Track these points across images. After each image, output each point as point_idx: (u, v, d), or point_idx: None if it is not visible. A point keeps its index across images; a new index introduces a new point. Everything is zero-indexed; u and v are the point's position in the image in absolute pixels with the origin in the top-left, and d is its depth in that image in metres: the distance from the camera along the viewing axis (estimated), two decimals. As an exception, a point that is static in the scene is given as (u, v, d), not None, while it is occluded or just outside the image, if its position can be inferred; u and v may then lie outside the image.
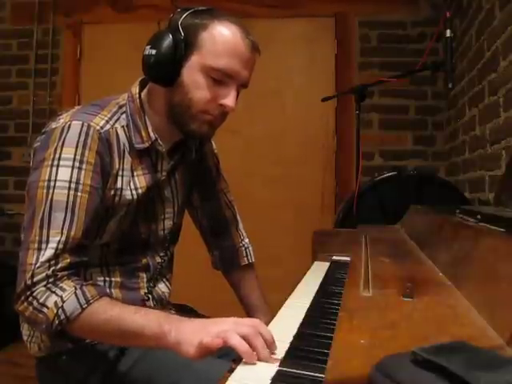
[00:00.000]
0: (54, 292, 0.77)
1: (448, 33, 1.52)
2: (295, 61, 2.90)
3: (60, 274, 0.79)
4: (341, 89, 2.73)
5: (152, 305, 0.98)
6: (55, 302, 0.76)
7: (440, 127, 2.79)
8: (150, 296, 0.98)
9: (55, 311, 0.76)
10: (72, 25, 3.05)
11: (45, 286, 0.77)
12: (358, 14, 2.85)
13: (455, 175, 2.51)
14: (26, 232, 0.81)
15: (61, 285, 0.78)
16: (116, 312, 0.75)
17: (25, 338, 0.95)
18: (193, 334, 0.67)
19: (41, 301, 0.76)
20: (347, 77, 2.82)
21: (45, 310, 0.76)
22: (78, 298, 0.76)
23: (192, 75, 0.88)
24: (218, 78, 0.88)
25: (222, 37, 0.87)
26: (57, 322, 0.76)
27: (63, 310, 0.76)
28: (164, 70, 0.87)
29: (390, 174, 2.05)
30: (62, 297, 0.76)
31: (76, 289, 0.77)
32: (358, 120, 1.82)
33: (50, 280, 0.78)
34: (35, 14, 3.07)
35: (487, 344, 0.47)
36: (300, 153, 2.86)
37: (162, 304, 1.01)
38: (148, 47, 0.89)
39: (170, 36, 0.87)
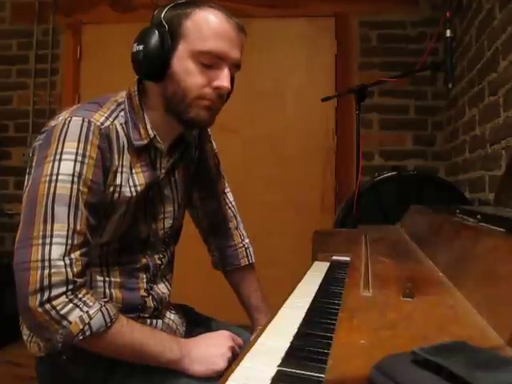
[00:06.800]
0: (78, 306, 0.77)
1: (448, 33, 1.52)
2: (295, 61, 2.90)
3: (78, 282, 0.78)
4: (341, 89, 2.73)
5: (152, 305, 0.98)
6: (81, 318, 0.76)
7: (440, 127, 2.80)
8: (149, 296, 0.98)
9: (81, 327, 0.76)
10: (72, 25, 3.06)
11: (66, 296, 0.76)
12: (358, 14, 2.85)
13: (455, 175, 2.51)
14: (27, 228, 0.79)
15: (84, 299, 0.78)
16: (137, 336, 0.82)
17: (25, 337, 0.94)
18: (203, 361, 0.86)
19: (62, 312, 0.76)
20: (347, 77, 2.82)
21: (65, 322, 0.76)
22: (103, 316, 0.78)
23: (182, 64, 0.88)
24: (209, 62, 0.88)
25: (205, 21, 0.87)
26: (81, 337, 0.76)
27: (90, 326, 0.77)
28: (153, 65, 0.88)
29: (390, 173, 2.05)
30: (88, 313, 0.77)
31: (101, 306, 0.79)
32: (357, 120, 1.82)
33: (70, 287, 0.77)
34: (35, 14, 3.07)
35: (487, 344, 0.47)
36: (300, 153, 2.86)
37: (162, 304, 1.01)
38: (135, 45, 0.90)
39: (155, 30, 0.87)
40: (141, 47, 0.88)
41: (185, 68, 0.88)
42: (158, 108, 0.94)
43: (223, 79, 0.89)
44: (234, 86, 0.99)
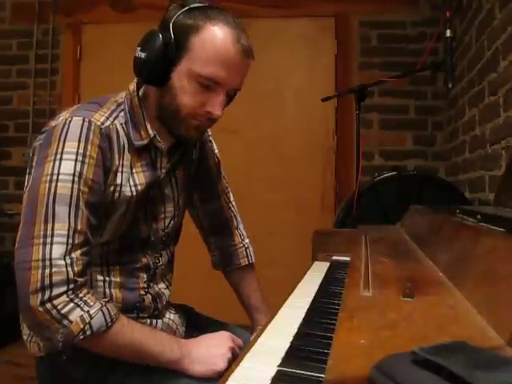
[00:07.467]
0: (79, 305, 0.77)
1: (448, 33, 1.52)
2: (295, 61, 2.90)
3: (79, 281, 0.78)
4: (341, 89, 2.73)
5: (152, 305, 0.98)
6: (82, 317, 0.76)
7: (440, 127, 2.80)
8: (149, 296, 0.98)
9: (82, 326, 0.76)
10: (72, 25, 3.06)
11: (66, 295, 0.76)
12: (358, 13, 2.85)
13: (455, 175, 2.51)
14: (28, 227, 0.79)
15: (84, 298, 0.78)
16: (137, 336, 0.82)
17: (25, 337, 0.94)
18: (203, 361, 0.86)
19: (62, 312, 0.76)
20: (347, 77, 2.82)
21: (65, 322, 0.76)
22: (104, 315, 0.78)
23: (180, 79, 0.88)
24: (206, 84, 0.87)
25: (211, 42, 0.85)
26: (81, 336, 0.76)
27: (90, 326, 0.77)
28: (153, 73, 0.87)
29: (390, 173, 2.05)
30: (89, 312, 0.77)
31: (102, 305, 0.79)
32: (357, 120, 1.82)
33: (71, 286, 0.77)
34: (35, 14, 3.07)
35: (487, 344, 0.47)
36: (300, 153, 2.86)
37: (162, 304, 1.01)
38: (138, 49, 0.89)
39: (160, 38, 0.86)
40: (144, 54, 0.87)
41: (182, 85, 0.88)
42: (153, 113, 0.94)
43: (216, 106, 0.89)
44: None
